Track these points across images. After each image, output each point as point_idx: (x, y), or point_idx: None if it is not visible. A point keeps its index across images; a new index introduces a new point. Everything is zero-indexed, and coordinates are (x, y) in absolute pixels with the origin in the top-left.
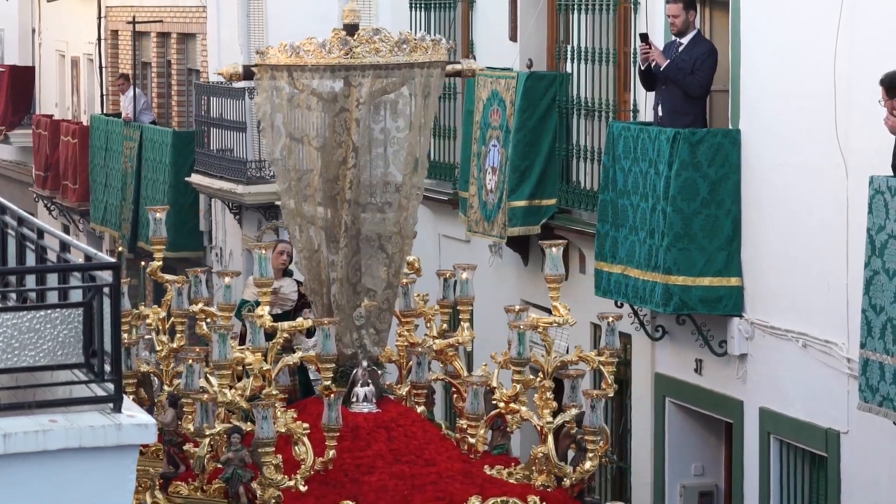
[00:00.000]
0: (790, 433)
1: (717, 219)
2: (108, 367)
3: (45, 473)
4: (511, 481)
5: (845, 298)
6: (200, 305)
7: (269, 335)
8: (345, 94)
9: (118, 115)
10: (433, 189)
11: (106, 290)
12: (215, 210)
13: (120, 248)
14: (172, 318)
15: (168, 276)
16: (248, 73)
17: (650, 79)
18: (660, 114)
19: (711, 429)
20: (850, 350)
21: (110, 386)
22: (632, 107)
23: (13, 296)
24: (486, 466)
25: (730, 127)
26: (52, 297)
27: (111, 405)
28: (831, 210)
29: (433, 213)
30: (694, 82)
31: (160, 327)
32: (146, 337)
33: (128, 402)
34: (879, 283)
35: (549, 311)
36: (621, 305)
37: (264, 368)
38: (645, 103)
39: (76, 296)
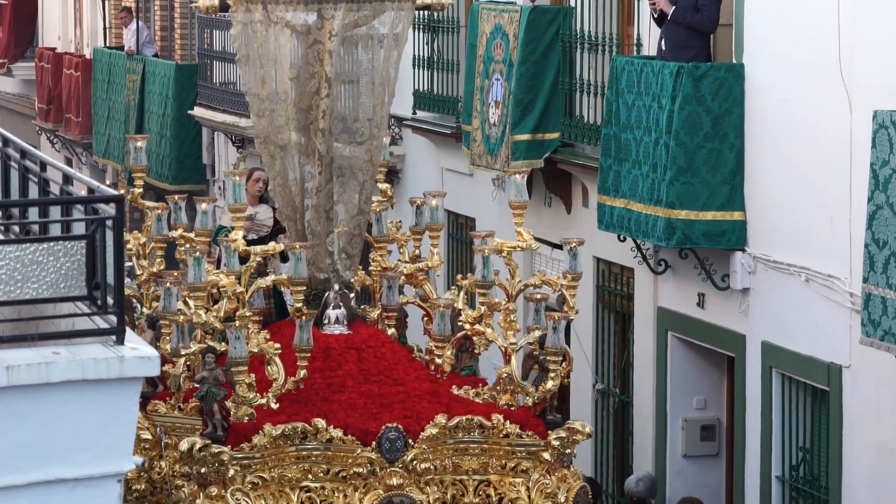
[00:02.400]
0: (792, 367)
1: (721, 153)
2: (110, 300)
3: (48, 405)
4: (477, 401)
5: (848, 233)
6: (179, 231)
7: (244, 259)
8: (318, 27)
9: (121, 48)
10: (436, 123)
11: (109, 222)
12: (218, 143)
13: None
14: (153, 244)
15: (148, 203)
16: (223, 6)
17: (661, 20)
18: (663, 48)
19: (713, 362)
20: (853, 284)
21: (113, 318)
22: (635, 41)
23: (16, 228)
24: (453, 387)
25: (733, 61)
26: (55, 230)
27: (114, 337)
28: (835, 144)
29: (436, 147)
30: (703, 19)
31: (140, 252)
32: (127, 264)
33: (130, 334)
34: (882, 218)
35: (554, 246)
36: (624, 239)
37: (238, 291)
38: (649, 37)
39: (79, 228)
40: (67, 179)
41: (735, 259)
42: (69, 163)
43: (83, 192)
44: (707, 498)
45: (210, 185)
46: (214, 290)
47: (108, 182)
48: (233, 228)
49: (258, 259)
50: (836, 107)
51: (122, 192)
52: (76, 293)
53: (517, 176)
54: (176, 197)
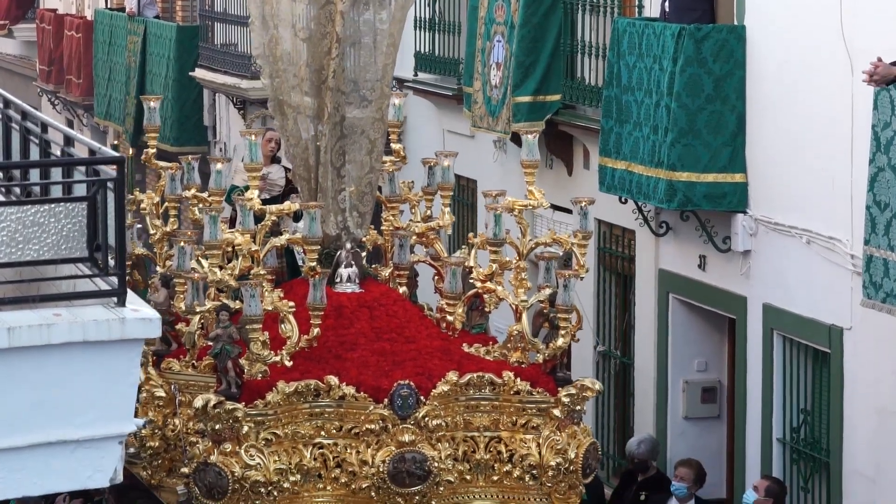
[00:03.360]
0: (793, 329)
1: (722, 115)
2: (112, 262)
3: (49, 367)
4: (488, 358)
5: (849, 195)
6: (193, 191)
7: (258, 218)
8: None
9: (122, 9)
10: (437, 84)
11: (110, 184)
12: (219, 105)
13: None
14: (166, 203)
15: (162, 163)
16: None
17: None
18: (667, 9)
19: (715, 325)
20: (854, 247)
21: (114, 280)
22: (637, 2)
23: (17, 190)
24: (464, 344)
25: (735, 23)
26: (57, 192)
27: (115, 299)
28: (836, 106)
29: (437, 109)
30: None
31: (154, 212)
32: (137, 226)
33: (132, 295)
34: (884, 180)
35: (556, 208)
36: (625, 201)
37: (253, 249)
38: None
39: (80, 190)
40: (69, 141)
41: (736, 221)
42: (70, 124)
43: (84, 154)
44: (708, 460)
45: (212, 146)
46: (229, 249)
47: (109, 143)
48: (246, 188)
49: (273, 218)
50: (838, 68)
51: (124, 153)
52: (77, 255)
53: (529, 135)
54: (189, 157)
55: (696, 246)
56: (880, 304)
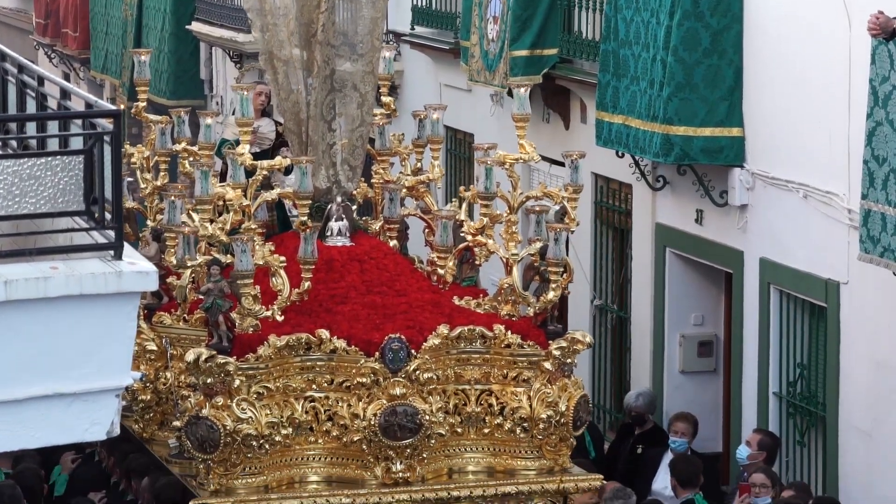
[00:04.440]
0: (790, 283)
1: (719, 69)
2: (108, 215)
3: (46, 320)
4: (479, 311)
5: (847, 149)
6: (183, 145)
7: (249, 172)
8: None
9: None
10: (434, 38)
11: (107, 137)
12: (216, 58)
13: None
14: (156, 157)
15: (152, 117)
16: None
17: None
18: None
19: (711, 279)
20: (851, 201)
21: (111, 233)
22: None
23: (14, 143)
24: (455, 297)
25: None
26: (53, 145)
27: (112, 252)
28: (834, 60)
29: (434, 63)
30: None
31: (144, 165)
32: (128, 180)
33: (129, 249)
34: (882, 134)
35: (553, 162)
36: (622, 156)
37: (244, 204)
38: None
39: (77, 143)
40: (65, 94)
41: (733, 175)
42: (67, 78)
43: (81, 107)
44: (704, 414)
45: (208, 100)
46: (220, 203)
47: (105, 97)
48: (237, 142)
49: (265, 172)
50: (836, 23)
51: (120, 107)
52: (74, 208)
53: (520, 89)
54: (180, 111)
55: (692, 200)
56: (877, 259)
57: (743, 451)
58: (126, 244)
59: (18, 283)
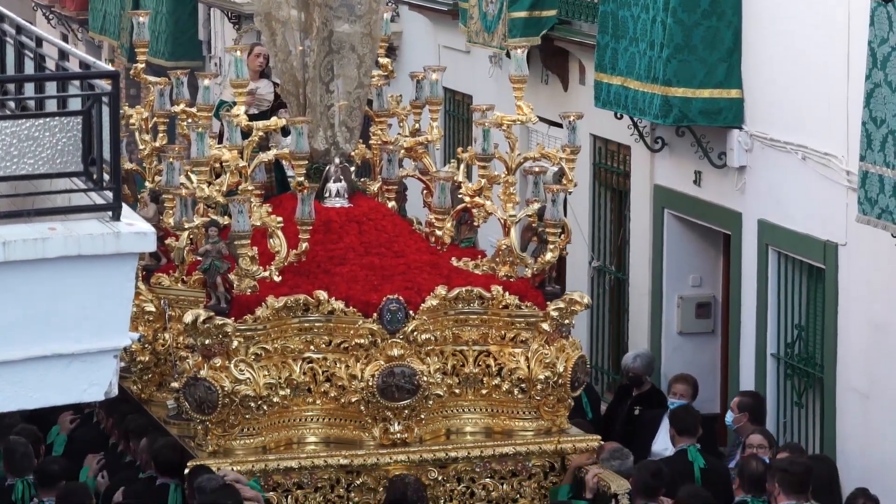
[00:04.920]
0: (788, 245)
1: (718, 30)
2: (106, 176)
3: (44, 281)
4: (476, 272)
5: (845, 111)
6: (182, 106)
7: (246, 134)
8: None
9: None
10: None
11: (105, 98)
12: (214, 19)
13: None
14: (155, 119)
15: (151, 78)
16: None
17: None
18: None
19: (710, 240)
20: (850, 163)
21: (109, 194)
22: None
23: (11, 104)
24: (453, 259)
25: None
26: (51, 106)
27: (110, 213)
28: (833, 22)
29: (433, 24)
30: None
31: (143, 127)
32: (125, 141)
33: (127, 210)
34: (881, 96)
35: (551, 123)
36: (621, 117)
37: (240, 165)
38: None
39: (75, 104)
40: (63, 55)
41: (732, 137)
42: (65, 39)
43: (79, 68)
44: (702, 375)
45: (206, 61)
46: (217, 165)
47: (104, 58)
48: (234, 103)
49: (261, 133)
50: None
51: (118, 68)
52: (72, 169)
53: (517, 50)
54: (178, 72)
55: (691, 161)
56: (875, 220)
57: (729, 417)
58: (124, 205)
59: (16, 244)
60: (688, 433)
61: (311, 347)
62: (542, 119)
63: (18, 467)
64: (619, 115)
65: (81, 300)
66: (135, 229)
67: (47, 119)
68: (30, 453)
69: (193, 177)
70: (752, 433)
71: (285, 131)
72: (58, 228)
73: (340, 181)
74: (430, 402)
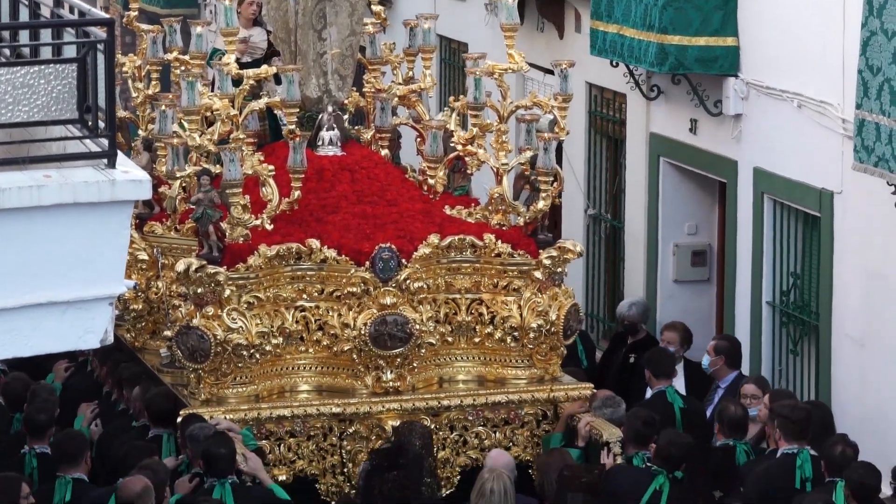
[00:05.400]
0: (784, 193)
1: None
2: (101, 123)
3: (39, 228)
4: (469, 220)
5: (841, 59)
6: (175, 54)
7: (237, 82)
8: None
9: None
10: None
11: (100, 46)
12: None
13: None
14: (148, 67)
15: (144, 26)
16: None
17: None
18: None
19: (705, 188)
20: (846, 111)
21: (104, 141)
22: None
23: (7, 51)
24: (446, 207)
25: None
26: (46, 53)
27: (105, 161)
28: None
29: None
30: None
31: (136, 75)
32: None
33: (122, 157)
34: (877, 44)
35: (546, 71)
36: (616, 65)
37: (231, 114)
38: None
39: (70, 52)
40: (58, 2)
41: (728, 85)
42: None
43: (74, 16)
44: (697, 323)
45: (200, 9)
46: (209, 113)
47: (98, 6)
48: (227, 52)
49: (251, 82)
50: None
51: (113, 15)
52: (67, 116)
53: None
54: (172, 20)
55: (687, 109)
56: (871, 168)
57: (706, 360)
58: (119, 153)
59: (11, 192)
60: (664, 375)
61: (304, 296)
62: (537, 67)
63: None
64: (614, 63)
65: (76, 248)
66: (130, 177)
67: (42, 66)
68: (55, 400)
69: (186, 125)
70: (745, 382)
71: (278, 79)
72: (53, 176)
73: (333, 129)
74: (423, 351)
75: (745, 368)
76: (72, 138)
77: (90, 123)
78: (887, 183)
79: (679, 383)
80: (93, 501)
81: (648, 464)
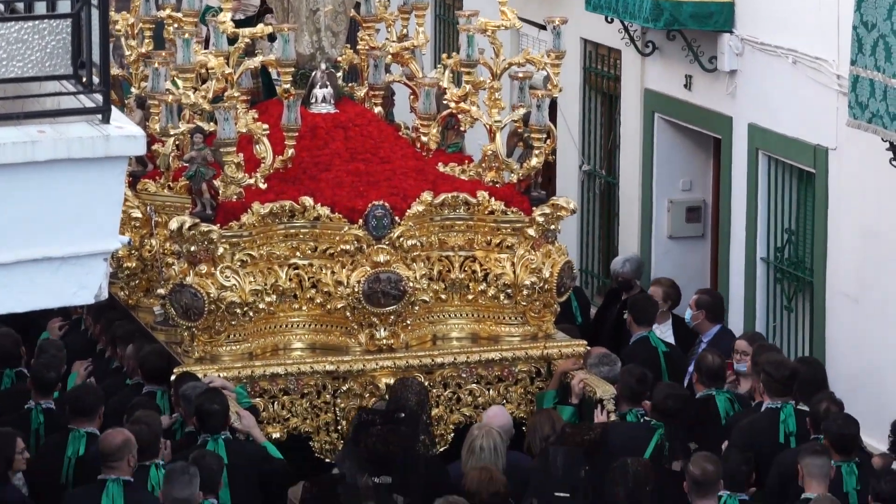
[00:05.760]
0: (779, 149)
1: None
2: (96, 79)
3: (34, 184)
4: (463, 178)
5: (836, 14)
6: (168, 11)
7: (231, 40)
8: None
9: None
10: None
11: (94, 1)
12: None
13: None
14: (141, 24)
15: None
16: None
17: None
18: None
19: (700, 144)
20: (840, 67)
21: (99, 97)
22: None
23: (1, 6)
24: (440, 164)
25: None
26: (41, 9)
27: (99, 116)
28: None
29: None
30: None
31: (129, 33)
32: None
33: (116, 113)
34: (871, 0)
35: (541, 27)
36: (611, 21)
37: (226, 72)
38: None
39: (64, 7)
40: None
41: (723, 40)
42: None
43: None
44: (692, 279)
45: None
46: (203, 71)
47: None
48: (220, 9)
49: (247, 40)
50: None
51: None
52: (62, 72)
53: None
54: None
55: (682, 65)
56: (866, 125)
57: (688, 315)
58: (114, 108)
59: (6, 147)
60: (646, 322)
61: (297, 254)
62: (531, 23)
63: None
64: (609, 19)
65: (71, 203)
66: (124, 132)
67: (36, 22)
68: (15, 353)
69: (180, 83)
70: (738, 338)
71: (272, 37)
72: (47, 132)
73: (326, 87)
74: (416, 308)
75: (739, 325)
76: (66, 94)
77: (84, 79)
78: (881, 139)
79: (668, 338)
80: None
81: (646, 418)
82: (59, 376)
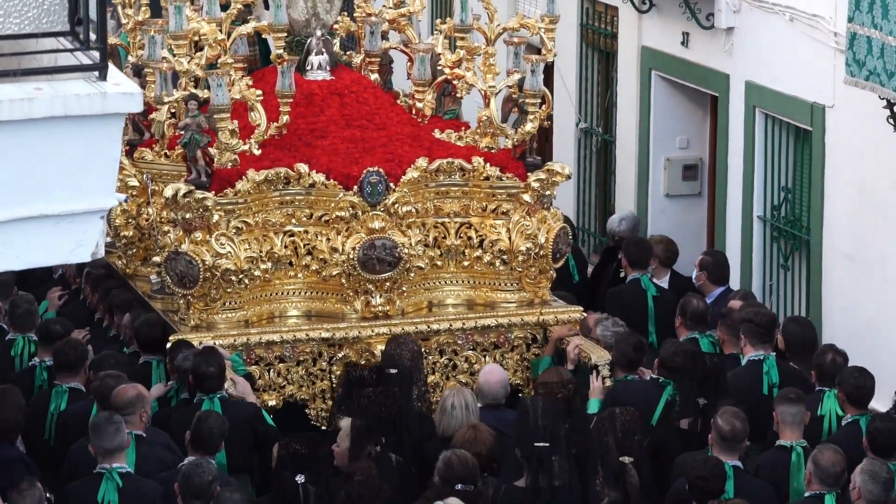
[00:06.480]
0: (776, 107)
1: None
2: (93, 36)
3: (30, 141)
4: (459, 144)
5: None
6: None
7: (225, 6)
8: None
9: None
10: None
11: None
12: None
13: None
14: None
15: None
16: None
17: None
18: None
19: (697, 102)
20: (837, 24)
21: (96, 54)
22: None
23: None
24: (436, 130)
25: None
26: None
27: (97, 73)
28: None
29: None
30: None
31: (126, 1)
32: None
33: (113, 70)
34: None
35: None
36: None
37: (219, 38)
38: None
39: None
40: None
41: None
42: None
43: None
44: (689, 237)
45: None
46: (197, 38)
47: None
48: None
49: (239, 6)
50: None
51: None
52: (59, 29)
53: None
54: None
55: (679, 23)
56: (863, 82)
57: (694, 275)
58: (111, 65)
59: (2, 105)
60: (639, 265)
61: (292, 220)
62: None
63: (20, 324)
64: None
65: (68, 161)
66: (122, 89)
67: None
68: (34, 311)
69: (174, 50)
70: (732, 297)
71: (267, 3)
72: (44, 89)
73: (322, 54)
74: (412, 275)
75: (736, 283)
76: (63, 51)
77: (81, 36)
78: (879, 97)
79: None
80: (76, 411)
81: (654, 376)
82: (68, 331)
